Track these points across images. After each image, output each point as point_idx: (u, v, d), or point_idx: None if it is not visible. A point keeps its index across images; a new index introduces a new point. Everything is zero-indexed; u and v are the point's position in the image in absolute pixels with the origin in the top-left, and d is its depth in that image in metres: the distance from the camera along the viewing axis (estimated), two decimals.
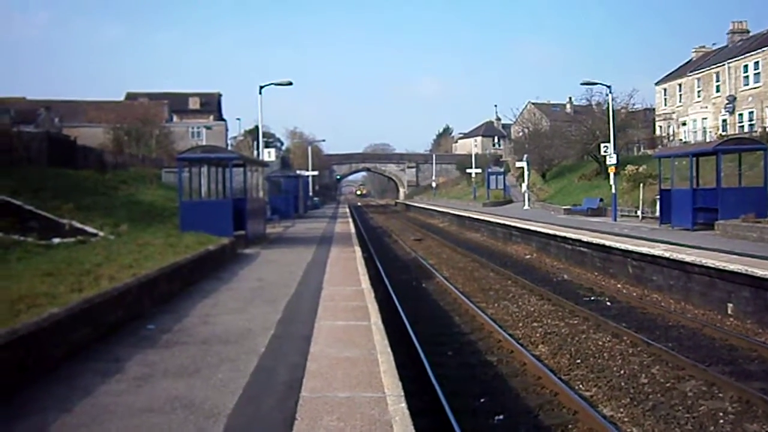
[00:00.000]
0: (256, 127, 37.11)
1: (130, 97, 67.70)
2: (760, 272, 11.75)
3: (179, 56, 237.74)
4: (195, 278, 11.84)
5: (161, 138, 51.13)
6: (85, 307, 6.97)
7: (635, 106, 46.47)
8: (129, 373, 6.13)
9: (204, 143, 48.23)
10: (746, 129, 40.81)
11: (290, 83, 28.26)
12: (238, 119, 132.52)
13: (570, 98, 72.82)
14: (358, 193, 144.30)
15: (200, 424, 4.81)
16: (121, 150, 41.95)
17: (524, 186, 45.25)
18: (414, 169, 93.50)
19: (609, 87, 30.09)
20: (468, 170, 64.96)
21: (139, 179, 31.73)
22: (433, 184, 79.53)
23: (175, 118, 66.09)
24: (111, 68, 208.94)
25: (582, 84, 33.79)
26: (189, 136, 59.65)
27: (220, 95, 76.24)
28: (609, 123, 30.15)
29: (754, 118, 41.16)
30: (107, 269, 9.42)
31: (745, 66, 42.91)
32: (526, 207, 41.85)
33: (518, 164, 49.37)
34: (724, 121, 44.20)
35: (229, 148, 54.26)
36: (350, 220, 36.35)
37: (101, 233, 16.36)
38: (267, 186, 33.30)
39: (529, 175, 46.13)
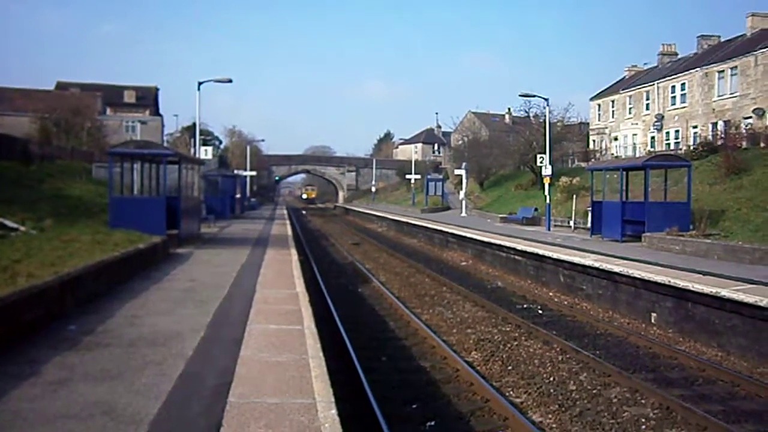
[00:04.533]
0: (194, 124, 36.23)
1: (61, 86, 64.76)
2: (682, 283, 12.27)
3: (116, 47, 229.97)
4: (123, 277, 11.39)
5: (93, 131, 49.16)
6: None
7: (571, 120, 48.12)
8: (45, 377, 5.79)
9: (138, 138, 46.72)
10: (672, 146, 42.77)
11: (230, 80, 27.76)
12: (176, 115, 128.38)
13: (509, 109, 74.50)
14: (305, 196, 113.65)
15: (120, 431, 4.58)
16: (49, 141, 40.05)
17: (462, 193, 45.93)
18: (354, 173, 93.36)
19: (546, 100, 31.05)
20: (408, 176, 65.39)
21: (67, 173, 30.40)
22: (373, 189, 79.66)
23: (108, 111, 63.76)
24: (42, 56, 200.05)
25: (521, 96, 34.74)
26: (123, 131, 57.60)
27: (157, 89, 73.95)
28: (545, 135, 30.98)
29: (680, 136, 43.17)
30: (26, 266, 8.92)
31: (673, 87, 44.98)
32: (464, 214, 42.46)
33: (457, 172, 50.06)
34: (653, 137, 46.18)
35: (165, 144, 52.74)
36: (287, 222, 35.96)
37: (22, 228, 15.54)
38: (203, 185, 32.58)
39: (467, 183, 46.85)
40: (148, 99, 70.58)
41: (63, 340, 7.12)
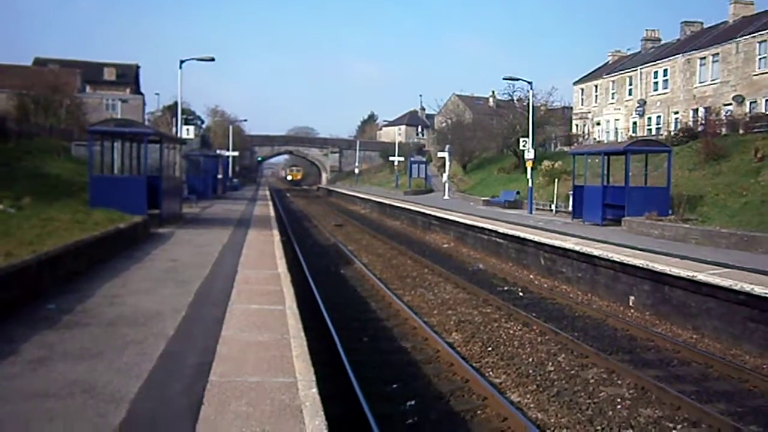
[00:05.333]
0: (176, 103, 35.84)
1: (39, 62, 63.47)
2: (659, 267, 12.45)
3: (96, 23, 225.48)
4: (104, 257, 11.31)
5: (72, 108, 48.24)
6: None
7: (554, 104, 48.31)
8: (24, 355, 5.77)
9: (119, 117, 46.16)
10: (654, 132, 43.13)
11: (212, 59, 27.45)
12: (157, 94, 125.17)
13: (493, 92, 74.06)
14: (289, 177, 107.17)
15: (100, 409, 4.58)
16: (27, 118, 39.36)
17: (445, 176, 45.97)
18: (337, 155, 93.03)
19: (530, 83, 30.89)
20: (391, 158, 65.32)
21: (46, 150, 29.92)
22: (356, 171, 79.51)
23: (88, 89, 62.67)
24: (19, 30, 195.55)
25: (505, 79, 34.49)
26: (103, 109, 56.75)
27: (138, 67, 72.84)
28: (528, 119, 31.01)
29: (662, 122, 43.51)
30: (4, 245, 8.82)
31: (656, 72, 45.23)
32: (447, 197, 42.54)
33: (440, 154, 50.05)
34: (635, 123, 46.50)
35: (146, 123, 52.09)
36: (270, 203, 35.82)
37: (0, 206, 15.31)
38: (185, 165, 32.32)
39: (450, 165, 46.87)
40: (128, 77, 69.53)
41: (42, 319, 7.08)
